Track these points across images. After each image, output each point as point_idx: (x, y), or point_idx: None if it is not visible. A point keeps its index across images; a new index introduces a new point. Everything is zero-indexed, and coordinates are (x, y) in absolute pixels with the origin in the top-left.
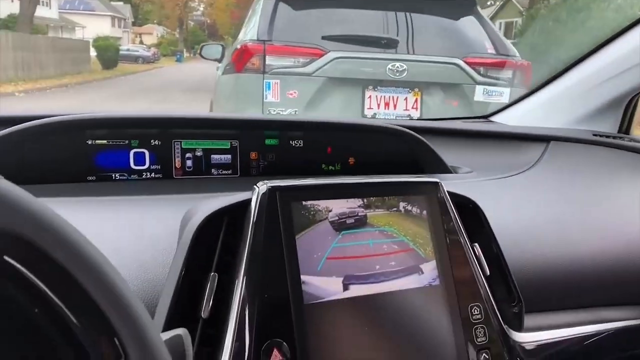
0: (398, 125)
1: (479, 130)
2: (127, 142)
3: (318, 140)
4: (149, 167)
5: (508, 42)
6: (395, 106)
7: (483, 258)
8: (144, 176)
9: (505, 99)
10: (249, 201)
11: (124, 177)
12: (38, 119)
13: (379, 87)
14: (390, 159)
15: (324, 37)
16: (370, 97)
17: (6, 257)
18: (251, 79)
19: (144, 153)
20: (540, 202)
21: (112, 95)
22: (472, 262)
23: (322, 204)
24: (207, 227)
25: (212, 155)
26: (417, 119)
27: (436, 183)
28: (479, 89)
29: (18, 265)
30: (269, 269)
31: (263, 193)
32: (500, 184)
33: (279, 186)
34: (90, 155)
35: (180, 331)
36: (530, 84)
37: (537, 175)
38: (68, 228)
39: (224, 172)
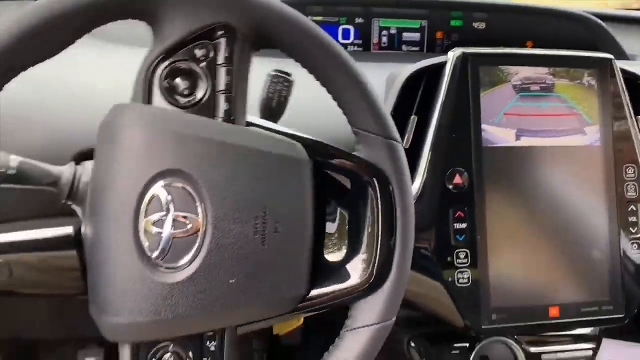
0: (581, 10)
1: None
2: (337, 19)
3: (499, 23)
4: (352, 41)
5: None
6: None
7: None
8: (348, 49)
9: None
10: (444, 63)
11: None
12: None
13: None
14: (568, 44)
15: None
16: None
17: None
18: None
19: (349, 29)
20: None
21: None
22: (632, 130)
23: (506, 69)
24: (409, 84)
25: (403, 33)
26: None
27: (609, 59)
28: None
29: None
30: (457, 116)
31: (457, 57)
32: None
33: (471, 52)
34: None
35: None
36: None
37: None
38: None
39: (412, 48)
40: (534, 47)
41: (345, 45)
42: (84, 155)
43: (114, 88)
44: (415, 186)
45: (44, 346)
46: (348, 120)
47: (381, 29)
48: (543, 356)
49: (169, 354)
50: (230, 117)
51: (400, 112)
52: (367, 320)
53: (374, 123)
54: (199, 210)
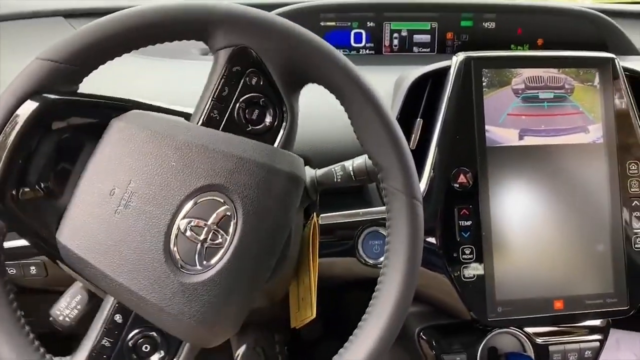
0: (589, 8)
1: None
2: (349, 24)
3: (509, 22)
4: (365, 45)
5: None
6: None
7: None
8: (360, 52)
9: None
10: (449, 67)
11: (346, 53)
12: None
13: None
14: (578, 41)
15: None
16: None
17: None
18: None
19: (361, 33)
20: None
21: None
22: (636, 126)
23: (508, 71)
24: (415, 87)
25: (414, 35)
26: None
27: (611, 58)
28: None
29: None
30: (461, 118)
31: (461, 61)
32: None
33: (474, 56)
34: (322, 34)
35: None
36: None
37: None
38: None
39: (423, 50)
40: (544, 44)
41: (357, 49)
42: None
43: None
44: (422, 185)
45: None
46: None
47: (392, 31)
48: (550, 347)
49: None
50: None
51: (407, 114)
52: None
53: (402, 184)
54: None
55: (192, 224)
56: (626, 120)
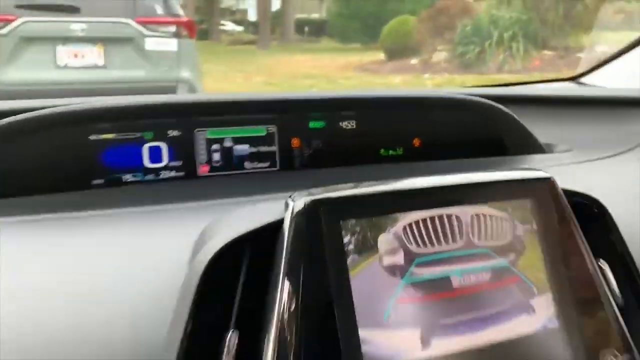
0: (472, 95)
1: (572, 96)
2: (139, 134)
3: (374, 120)
4: (167, 164)
5: (176, 4)
6: (83, 56)
7: (614, 281)
8: (161, 176)
9: (173, 47)
10: (281, 222)
11: (138, 179)
12: (24, 111)
13: (67, 43)
14: (466, 137)
15: (16, 6)
16: (61, 51)
17: None
18: None
19: (160, 147)
20: None
21: None
22: (600, 288)
23: (386, 219)
24: (223, 260)
25: (243, 146)
26: (495, 86)
27: (547, 179)
28: (148, 40)
29: None
30: (312, 322)
31: (298, 211)
32: (612, 164)
33: (324, 198)
34: (94, 153)
35: None
36: (194, 36)
37: None
38: None
39: (259, 165)
40: (423, 145)
41: (156, 172)
42: None
43: None
44: None
45: None
46: None
47: (210, 141)
48: None
49: None
50: None
51: (210, 323)
52: None
53: None
54: None
55: None
56: (584, 279)
